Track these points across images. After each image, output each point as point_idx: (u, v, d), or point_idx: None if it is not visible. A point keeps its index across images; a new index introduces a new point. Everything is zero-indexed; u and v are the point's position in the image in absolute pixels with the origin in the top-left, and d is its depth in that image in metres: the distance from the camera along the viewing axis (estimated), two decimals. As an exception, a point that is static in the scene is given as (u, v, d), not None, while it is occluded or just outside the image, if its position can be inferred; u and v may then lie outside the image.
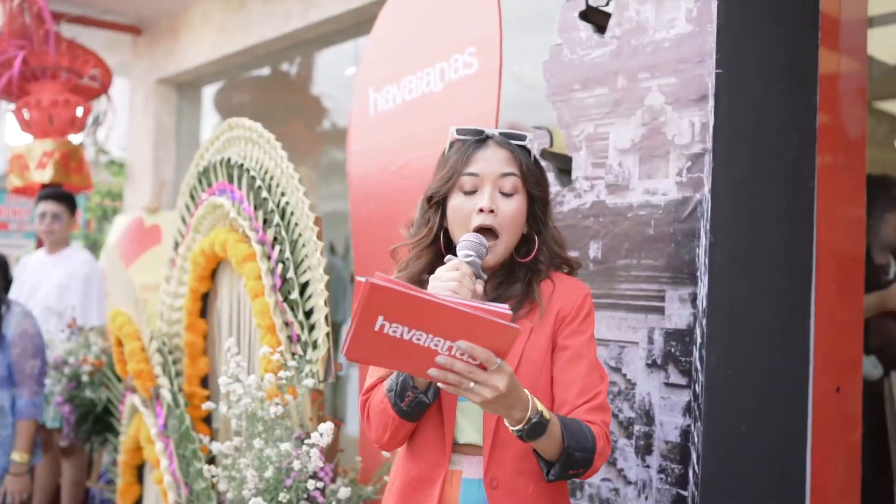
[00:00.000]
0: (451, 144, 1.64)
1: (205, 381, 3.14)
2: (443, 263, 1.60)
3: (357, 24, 4.50)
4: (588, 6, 2.29)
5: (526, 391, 1.41)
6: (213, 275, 3.08)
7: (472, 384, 1.32)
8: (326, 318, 2.32)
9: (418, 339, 1.29)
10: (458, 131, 1.62)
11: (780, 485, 2.12)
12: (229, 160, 2.82)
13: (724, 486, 1.97)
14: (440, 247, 1.62)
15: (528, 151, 1.63)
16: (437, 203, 1.62)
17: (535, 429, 1.41)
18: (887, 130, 4.76)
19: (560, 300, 1.62)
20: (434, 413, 1.57)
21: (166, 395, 2.88)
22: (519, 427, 1.41)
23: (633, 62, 2.14)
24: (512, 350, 1.51)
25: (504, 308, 1.30)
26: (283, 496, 2.11)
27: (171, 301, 3.26)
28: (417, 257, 1.63)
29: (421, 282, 1.59)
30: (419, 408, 1.51)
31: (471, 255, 1.50)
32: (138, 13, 6.14)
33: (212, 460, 2.76)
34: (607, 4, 2.25)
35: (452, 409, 1.56)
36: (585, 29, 2.29)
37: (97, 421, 3.92)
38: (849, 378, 2.43)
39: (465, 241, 1.53)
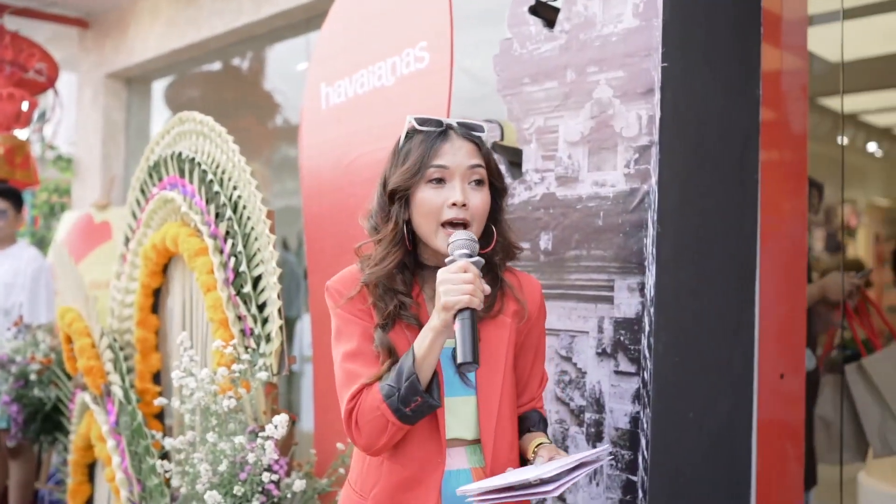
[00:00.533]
0: (409, 135, 1.59)
1: (157, 378, 3.12)
2: (412, 259, 1.60)
3: (308, 19, 4.49)
4: (537, 1, 2.32)
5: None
6: (165, 270, 3.06)
7: None
8: (280, 311, 2.32)
9: None
10: (419, 121, 1.58)
11: (727, 468, 2.18)
12: (180, 154, 2.80)
13: (673, 470, 2.02)
14: (407, 242, 1.59)
15: (485, 142, 1.63)
16: (401, 196, 1.57)
17: None
18: (830, 126, 4.88)
19: (528, 298, 1.66)
20: None
21: (118, 391, 2.85)
22: None
23: (581, 56, 2.18)
24: (504, 348, 1.60)
25: (604, 449, 1.41)
26: (237, 489, 2.11)
27: (121, 297, 3.23)
28: (386, 254, 1.57)
29: (391, 276, 1.57)
30: (425, 412, 1.50)
31: (471, 256, 1.48)
32: (85, 6, 6.03)
33: (164, 456, 2.74)
34: (556, -1, 2.29)
35: (443, 407, 1.55)
36: (535, 23, 2.32)
37: (46, 420, 3.85)
38: (792, 365, 2.51)
39: (460, 241, 1.49)
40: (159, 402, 2.56)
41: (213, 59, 5.73)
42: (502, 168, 2.32)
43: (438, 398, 1.50)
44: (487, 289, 1.47)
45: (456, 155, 1.55)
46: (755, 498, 2.24)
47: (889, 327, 3.54)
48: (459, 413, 1.58)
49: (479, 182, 1.56)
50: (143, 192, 3.14)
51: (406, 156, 1.57)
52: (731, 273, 2.20)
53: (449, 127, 1.59)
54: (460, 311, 1.43)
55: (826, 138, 4.77)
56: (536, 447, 1.59)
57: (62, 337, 3.31)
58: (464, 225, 1.54)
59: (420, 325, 1.55)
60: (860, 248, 8.44)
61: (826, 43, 3.29)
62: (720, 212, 2.17)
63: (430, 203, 1.54)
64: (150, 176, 3.06)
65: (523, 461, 1.64)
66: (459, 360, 1.41)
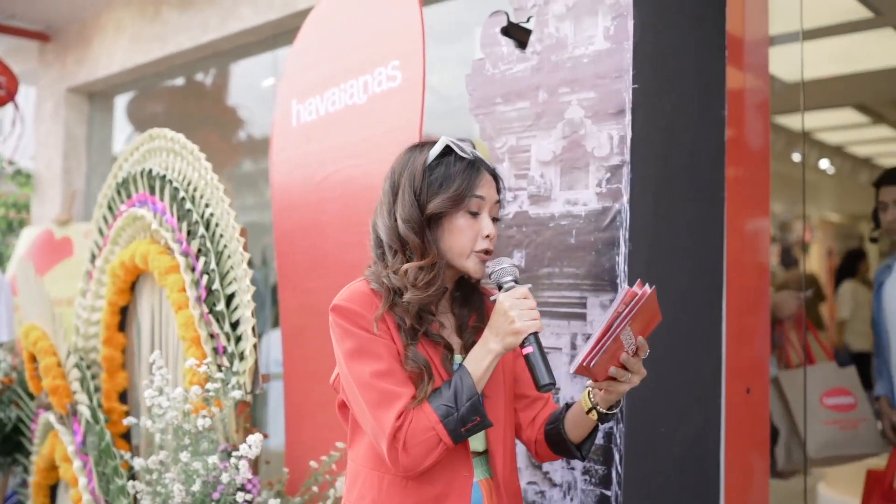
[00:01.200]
0: (441, 160, 1.62)
1: (123, 397, 3.08)
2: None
3: (275, 36, 4.49)
4: (509, 22, 2.36)
5: None
6: (132, 288, 3.03)
7: (636, 378, 1.53)
8: (253, 329, 2.31)
9: (626, 339, 1.45)
10: (459, 147, 1.63)
11: (697, 481, 2.21)
12: (150, 171, 2.78)
13: (646, 484, 2.05)
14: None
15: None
16: (437, 219, 1.60)
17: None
18: (785, 144, 5.01)
19: None
20: None
21: (85, 411, 2.81)
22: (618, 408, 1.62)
23: (553, 77, 2.22)
24: (504, 369, 1.66)
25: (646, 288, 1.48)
26: (211, 509, 2.10)
27: (87, 315, 3.19)
28: (434, 278, 1.58)
29: (433, 301, 1.59)
30: (477, 431, 1.53)
31: (517, 282, 1.56)
32: (46, 20, 5.96)
33: (132, 477, 2.70)
34: (528, 21, 2.33)
35: None
36: (507, 44, 2.35)
37: (6, 441, 3.78)
38: (758, 379, 2.56)
39: (508, 268, 1.56)
40: (128, 421, 2.54)
41: (177, 75, 5.69)
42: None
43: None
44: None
45: (489, 188, 1.63)
46: (724, 510, 2.29)
47: (822, 347, 3.63)
48: None
49: (496, 216, 1.66)
50: (110, 208, 3.12)
51: (444, 181, 1.60)
52: (699, 289, 2.25)
53: (476, 158, 1.64)
54: (528, 335, 1.50)
55: (781, 156, 4.89)
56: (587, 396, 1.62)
57: (25, 356, 3.26)
58: (487, 254, 1.63)
59: (444, 342, 1.60)
60: (814, 262, 8.62)
61: (782, 63, 3.38)
62: (689, 229, 2.22)
63: (468, 231, 1.60)
64: (119, 193, 3.04)
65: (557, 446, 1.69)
66: (542, 382, 1.48)
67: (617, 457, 2.00)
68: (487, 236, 1.61)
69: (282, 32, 4.39)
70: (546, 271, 2.19)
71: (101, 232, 3.19)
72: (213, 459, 2.13)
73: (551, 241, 2.18)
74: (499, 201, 1.66)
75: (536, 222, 2.22)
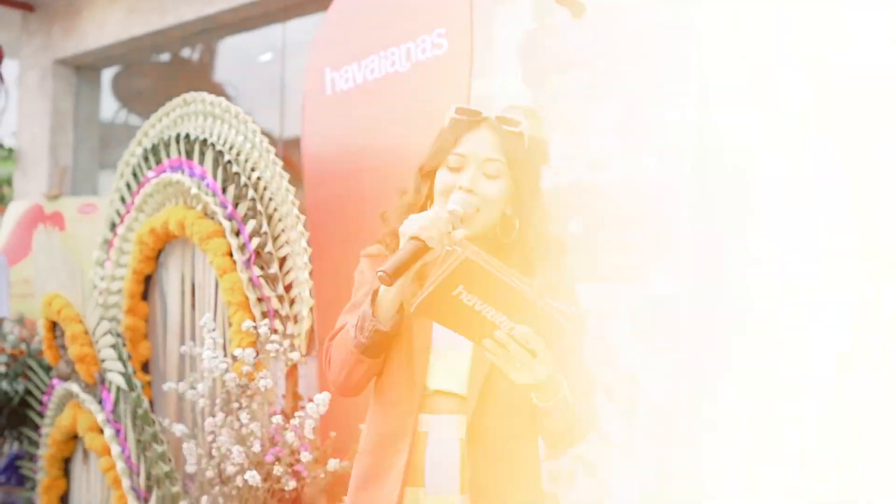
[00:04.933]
0: (450, 121, 1.67)
1: (144, 367, 3.05)
2: None
3: (285, 8, 4.44)
4: (564, -7, 2.38)
5: (560, 377, 1.48)
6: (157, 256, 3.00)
7: (518, 365, 1.40)
8: (311, 291, 2.31)
9: (486, 312, 1.38)
10: (458, 111, 1.66)
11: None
12: (188, 136, 2.75)
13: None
14: None
15: (521, 136, 1.63)
16: (427, 174, 1.68)
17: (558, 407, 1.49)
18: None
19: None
20: (405, 359, 1.57)
21: (116, 377, 2.78)
22: (544, 404, 1.49)
23: (612, 48, 2.25)
24: None
25: (569, 308, 1.39)
26: (277, 469, 2.10)
27: (107, 284, 3.14)
28: (401, 217, 1.64)
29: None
30: (377, 338, 1.52)
31: (453, 207, 1.55)
32: (29, -11, 5.82)
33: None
34: (581, -8, 2.35)
35: (425, 353, 1.57)
36: (561, 15, 2.37)
37: (12, 415, 3.70)
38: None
39: (455, 196, 1.58)
40: (168, 387, 2.53)
41: (174, 48, 5.59)
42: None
43: (391, 325, 1.52)
44: (455, 234, 1.49)
45: (476, 145, 1.62)
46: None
47: None
48: (453, 364, 1.57)
49: (494, 174, 1.61)
50: (135, 175, 3.07)
51: (439, 139, 1.68)
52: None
53: (484, 119, 1.64)
54: (412, 238, 1.48)
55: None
56: None
57: (44, 325, 3.19)
58: None
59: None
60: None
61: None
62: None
63: (443, 184, 1.63)
64: (146, 159, 2.99)
65: None
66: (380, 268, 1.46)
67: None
68: (461, 188, 1.59)
69: (292, 5, 4.35)
70: (605, 237, 2.22)
71: (122, 200, 3.14)
72: (277, 419, 2.13)
73: (610, 208, 2.22)
74: (494, 160, 1.60)
75: (594, 189, 2.25)
